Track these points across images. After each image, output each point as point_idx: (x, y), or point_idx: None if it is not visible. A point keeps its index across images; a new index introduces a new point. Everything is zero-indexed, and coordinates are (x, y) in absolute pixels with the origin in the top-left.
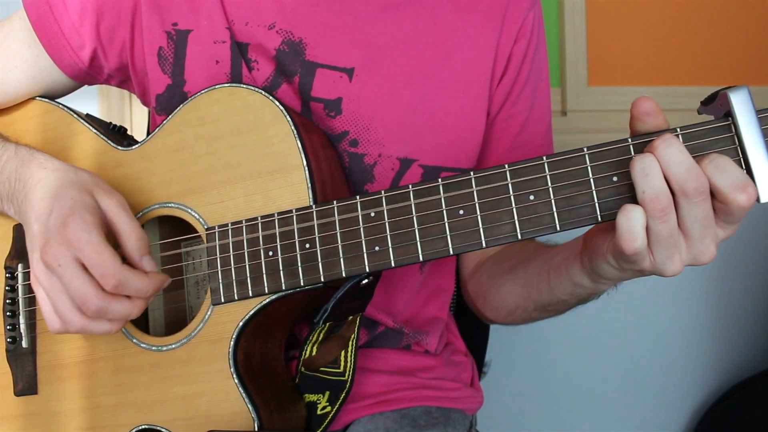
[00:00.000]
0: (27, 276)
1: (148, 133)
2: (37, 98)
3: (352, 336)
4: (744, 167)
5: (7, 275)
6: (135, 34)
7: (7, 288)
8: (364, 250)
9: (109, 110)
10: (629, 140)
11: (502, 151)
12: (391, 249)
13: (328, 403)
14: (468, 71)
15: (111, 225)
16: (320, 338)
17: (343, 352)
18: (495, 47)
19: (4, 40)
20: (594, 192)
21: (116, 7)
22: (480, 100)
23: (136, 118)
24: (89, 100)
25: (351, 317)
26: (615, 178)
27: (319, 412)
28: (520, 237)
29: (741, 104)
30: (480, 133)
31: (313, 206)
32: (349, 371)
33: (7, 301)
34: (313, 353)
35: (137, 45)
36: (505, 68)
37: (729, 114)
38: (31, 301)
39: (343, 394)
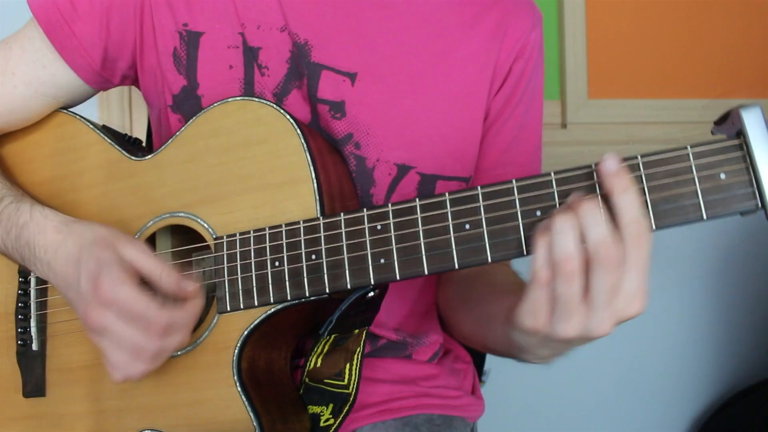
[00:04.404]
0: (39, 280)
1: (148, 137)
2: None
3: (358, 349)
4: (755, 186)
5: (21, 279)
6: (144, 32)
7: (20, 291)
8: (370, 263)
9: (109, 116)
10: (639, 157)
11: (487, 166)
12: (396, 262)
13: (331, 416)
14: (468, 83)
15: (140, 271)
16: (325, 350)
17: (348, 365)
18: (495, 60)
19: (17, 66)
20: None
21: (124, 6)
22: (478, 112)
23: (135, 124)
24: (89, 106)
25: (357, 331)
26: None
27: (322, 424)
28: (525, 253)
29: (753, 122)
30: (477, 143)
31: (321, 218)
32: (353, 384)
33: (20, 304)
34: (318, 365)
35: (147, 43)
36: (503, 81)
37: (741, 132)
38: (43, 304)
39: (347, 407)
